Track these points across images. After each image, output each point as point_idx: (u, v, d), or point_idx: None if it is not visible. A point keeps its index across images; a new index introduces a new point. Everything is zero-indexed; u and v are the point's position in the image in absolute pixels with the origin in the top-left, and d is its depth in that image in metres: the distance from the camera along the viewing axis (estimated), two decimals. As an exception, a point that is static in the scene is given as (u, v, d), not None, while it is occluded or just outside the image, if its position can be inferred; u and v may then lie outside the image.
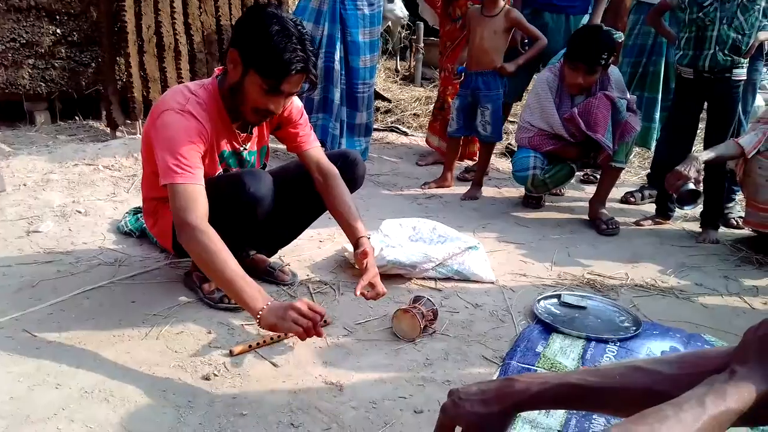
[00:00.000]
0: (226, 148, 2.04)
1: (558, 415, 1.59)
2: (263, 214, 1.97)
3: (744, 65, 3.00)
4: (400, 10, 6.60)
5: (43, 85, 4.17)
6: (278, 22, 1.77)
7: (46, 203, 2.93)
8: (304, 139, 2.17)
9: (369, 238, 2.10)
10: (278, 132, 2.23)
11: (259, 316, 1.63)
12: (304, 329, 1.62)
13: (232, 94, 1.91)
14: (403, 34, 7.63)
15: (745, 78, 3.06)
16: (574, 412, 1.60)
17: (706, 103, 3.17)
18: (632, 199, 3.66)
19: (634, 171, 4.37)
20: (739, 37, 2.90)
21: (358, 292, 1.91)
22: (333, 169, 2.15)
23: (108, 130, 4.10)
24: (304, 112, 2.21)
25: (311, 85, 1.93)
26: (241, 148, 2.09)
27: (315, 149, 2.18)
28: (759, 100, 5.70)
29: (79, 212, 2.86)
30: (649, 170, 3.85)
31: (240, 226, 1.98)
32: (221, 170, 2.05)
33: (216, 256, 1.68)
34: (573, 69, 3.02)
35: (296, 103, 2.16)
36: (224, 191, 1.90)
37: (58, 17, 4.11)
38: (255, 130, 2.12)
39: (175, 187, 1.76)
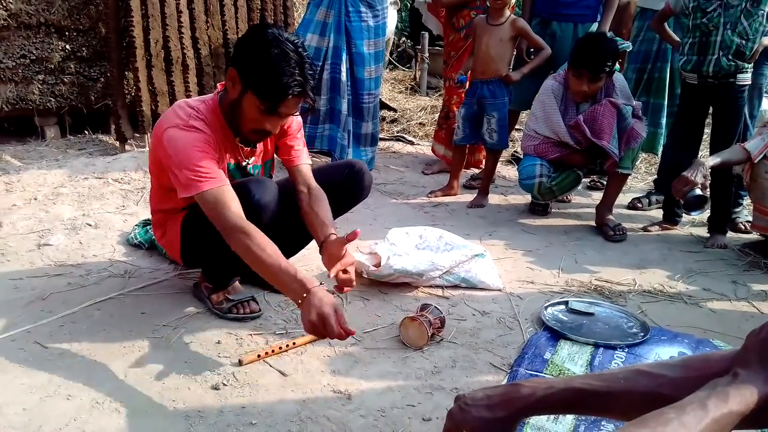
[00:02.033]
0: (230, 161, 2.06)
1: (566, 422, 1.59)
2: (268, 219, 1.98)
3: (748, 70, 3.00)
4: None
5: (53, 100, 4.21)
6: (278, 45, 1.78)
7: (57, 216, 2.96)
8: (298, 154, 2.18)
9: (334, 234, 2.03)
10: (277, 142, 2.25)
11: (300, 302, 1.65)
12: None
13: (232, 110, 1.94)
14: (400, 40, 7.65)
15: (750, 82, 3.06)
16: (583, 418, 1.60)
17: (711, 108, 3.17)
18: (639, 205, 3.65)
19: (641, 177, 4.36)
20: (743, 42, 2.91)
21: (332, 274, 1.89)
22: (321, 192, 2.11)
23: (117, 144, 4.14)
24: (302, 127, 2.24)
25: (309, 107, 1.95)
26: (244, 163, 2.11)
27: (306, 166, 2.18)
28: (765, 104, 5.67)
29: (89, 225, 2.89)
30: (656, 176, 3.85)
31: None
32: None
33: (260, 254, 1.71)
34: (577, 76, 3.03)
35: (297, 118, 2.18)
36: None
37: (67, 33, 4.16)
38: (259, 145, 2.14)
39: (203, 195, 1.79)
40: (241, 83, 1.84)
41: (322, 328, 1.60)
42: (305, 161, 2.20)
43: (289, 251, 2.44)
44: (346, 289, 1.93)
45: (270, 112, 1.84)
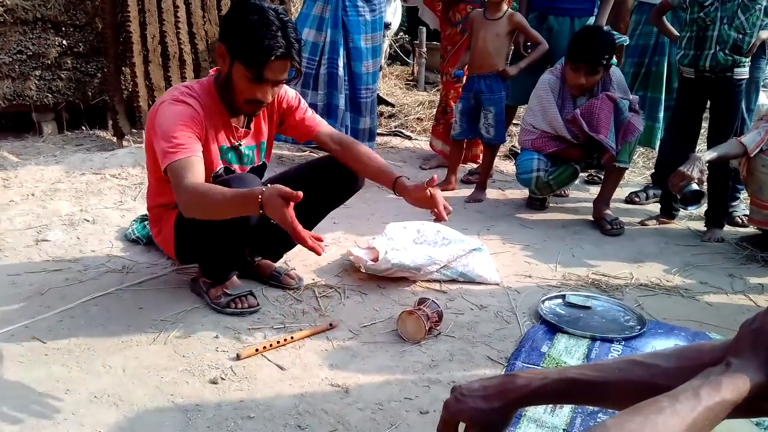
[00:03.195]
0: (224, 142, 2.08)
1: (563, 414, 1.60)
2: (255, 219, 1.99)
3: (745, 64, 3.00)
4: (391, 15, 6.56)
5: (50, 95, 4.21)
6: (258, 12, 1.84)
7: (54, 212, 2.96)
8: (312, 122, 2.24)
9: (405, 177, 2.10)
10: (284, 127, 2.28)
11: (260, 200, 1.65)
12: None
13: (225, 88, 1.98)
14: (398, 36, 7.62)
15: (747, 77, 3.06)
16: (580, 410, 1.61)
17: (708, 103, 3.17)
18: (637, 199, 3.65)
19: (639, 171, 4.36)
20: (740, 36, 2.90)
21: (446, 216, 1.99)
22: (345, 136, 2.24)
23: (114, 139, 4.14)
24: (300, 96, 2.27)
25: (297, 72, 1.97)
26: (237, 143, 2.12)
27: (325, 126, 2.26)
28: (762, 99, 5.67)
29: (87, 221, 2.89)
30: (653, 170, 3.85)
31: (233, 231, 2.00)
32: (222, 166, 2.08)
33: (207, 195, 1.74)
34: (574, 70, 3.03)
35: (290, 92, 2.23)
36: None
37: (63, 29, 4.15)
38: (252, 125, 2.16)
39: (171, 165, 1.81)
40: (229, 56, 1.90)
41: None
42: (322, 123, 2.26)
43: (284, 247, 2.45)
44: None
45: (258, 80, 1.88)
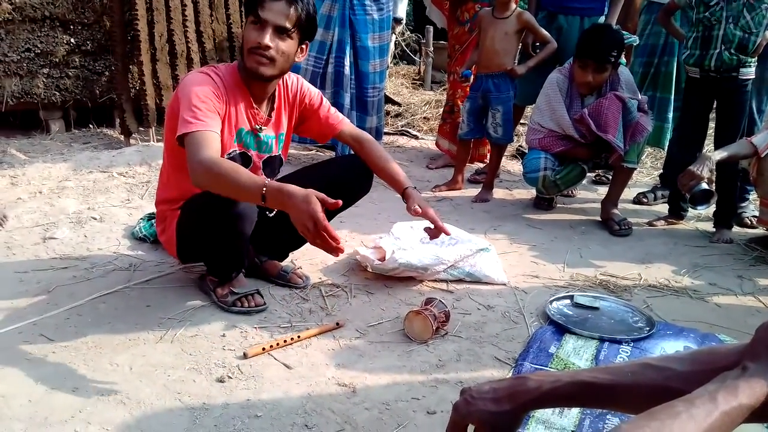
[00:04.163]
0: (243, 126, 2.09)
1: (572, 416, 1.59)
2: (250, 226, 2.01)
3: (751, 64, 2.98)
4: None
5: (58, 94, 4.22)
6: None
7: (62, 210, 2.97)
8: (334, 120, 2.26)
9: (414, 187, 2.16)
10: (305, 125, 2.29)
11: (264, 191, 1.65)
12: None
13: (241, 60, 2.02)
14: (404, 35, 7.60)
15: (754, 77, 3.03)
16: (588, 412, 1.59)
17: (715, 103, 3.15)
18: (645, 200, 3.64)
19: (647, 171, 4.34)
20: (746, 35, 2.89)
21: (446, 228, 2.09)
22: (365, 135, 2.27)
23: (122, 137, 4.15)
24: (322, 95, 2.29)
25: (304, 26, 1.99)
26: (258, 127, 2.13)
27: (347, 125, 2.29)
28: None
29: (94, 219, 2.89)
30: (661, 170, 3.83)
31: (233, 235, 2.02)
32: (237, 149, 2.09)
33: (220, 176, 1.72)
34: (583, 67, 3.02)
35: (313, 90, 2.26)
36: (208, 206, 1.93)
37: (72, 27, 4.17)
38: (273, 114, 2.17)
39: (188, 137, 1.82)
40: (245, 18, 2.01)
41: (314, 231, 1.61)
42: (344, 121, 2.29)
43: (290, 247, 2.44)
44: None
45: (257, 21, 1.92)
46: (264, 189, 1.65)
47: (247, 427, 1.54)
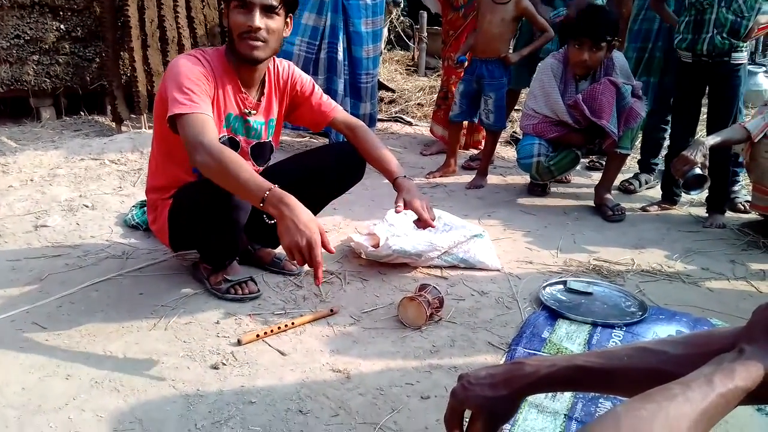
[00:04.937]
0: (232, 110, 2.07)
1: (564, 400, 1.60)
2: (245, 215, 2.00)
3: (743, 49, 2.98)
4: None
5: (48, 80, 4.18)
6: None
7: (53, 198, 2.95)
8: (326, 107, 2.23)
9: (405, 176, 2.11)
10: (297, 112, 2.26)
11: (266, 195, 1.61)
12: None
13: (231, 49, 1.99)
14: (399, 20, 7.56)
15: (746, 61, 3.03)
16: (581, 396, 1.60)
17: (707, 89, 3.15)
18: (631, 187, 3.63)
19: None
20: (738, 20, 2.88)
21: (432, 221, 2.02)
22: (358, 122, 2.24)
23: (113, 124, 4.11)
24: (314, 82, 2.26)
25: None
26: (247, 111, 2.10)
27: (339, 112, 2.26)
28: (766, 84, 5.61)
29: (86, 206, 2.88)
30: (639, 156, 3.82)
31: (225, 227, 2.01)
32: (226, 134, 2.07)
33: (226, 170, 1.68)
34: (578, 46, 3.01)
35: (304, 76, 2.23)
36: (202, 197, 1.91)
37: (61, 13, 4.12)
38: (263, 99, 2.14)
39: (183, 117, 1.79)
40: (224, 3, 1.96)
41: (307, 254, 1.57)
42: (336, 108, 2.26)
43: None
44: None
45: (242, 5, 1.90)
46: (267, 193, 1.61)
47: (241, 413, 1.54)
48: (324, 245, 1.60)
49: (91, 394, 1.59)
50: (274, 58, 2.12)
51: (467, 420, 0.99)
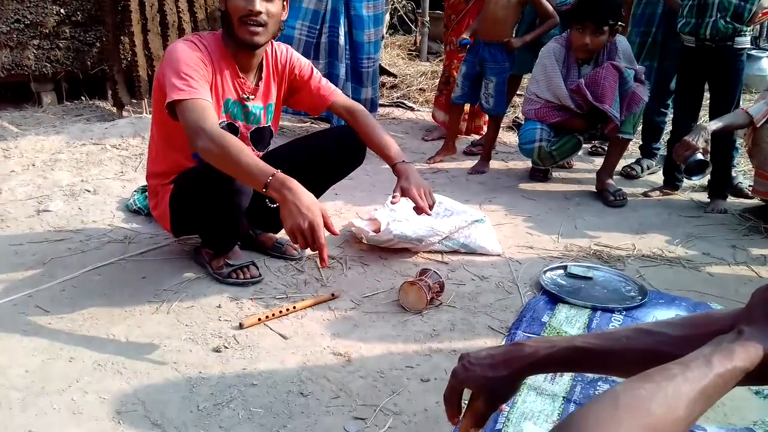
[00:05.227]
0: (230, 96, 2.06)
1: (563, 382, 1.61)
2: (246, 200, 1.99)
3: (746, 33, 2.95)
4: None
5: (49, 65, 4.16)
6: None
7: (55, 182, 2.95)
8: (326, 91, 2.22)
9: (404, 161, 2.07)
10: (296, 97, 2.25)
11: (269, 179, 1.61)
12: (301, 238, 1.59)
13: (229, 33, 1.98)
14: (401, 3, 7.51)
15: (749, 45, 3.00)
16: (579, 378, 1.62)
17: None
18: (633, 172, 3.62)
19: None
20: (741, 3, 2.85)
21: (429, 208, 1.99)
22: (358, 106, 2.22)
23: (114, 109, 4.10)
24: (314, 66, 2.25)
25: None
26: (245, 96, 2.10)
27: (339, 96, 2.24)
28: (769, 69, 5.53)
29: (88, 191, 2.88)
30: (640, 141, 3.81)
31: (227, 212, 2.01)
32: (225, 120, 2.06)
33: (232, 150, 1.68)
34: (580, 30, 3.00)
35: (303, 60, 2.22)
36: (203, 182, 1.91)
37: (61, -3, 4.09)
38: (261, 84, 2.13)
39: (182, 103, 1.79)
40: None
41: (310, 237, 1.57)
42: (336, 92, 2.24)
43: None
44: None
45: None
46: (270, 177, 1.60)
47: (243, 395, 1.55)
48: (328, 227, 1.60)
49: (95, 376, 1.61)
50: (272, 42, 2.11)
51: (466, 401, 1.00)
